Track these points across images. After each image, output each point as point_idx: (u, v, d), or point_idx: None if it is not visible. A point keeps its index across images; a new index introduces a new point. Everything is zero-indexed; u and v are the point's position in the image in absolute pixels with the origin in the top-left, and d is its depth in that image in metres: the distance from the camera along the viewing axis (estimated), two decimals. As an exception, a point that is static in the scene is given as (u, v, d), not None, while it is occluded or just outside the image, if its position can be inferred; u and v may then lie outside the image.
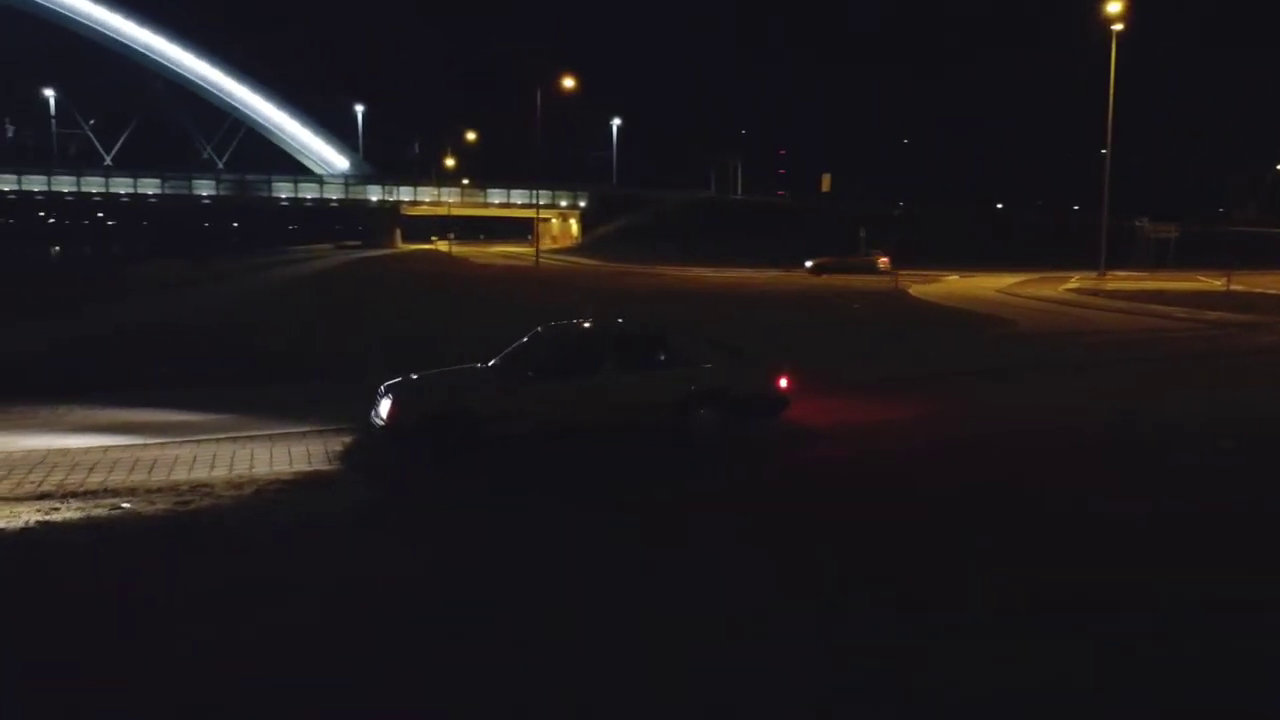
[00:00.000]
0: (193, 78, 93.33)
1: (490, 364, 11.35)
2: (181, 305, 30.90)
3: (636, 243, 74.56)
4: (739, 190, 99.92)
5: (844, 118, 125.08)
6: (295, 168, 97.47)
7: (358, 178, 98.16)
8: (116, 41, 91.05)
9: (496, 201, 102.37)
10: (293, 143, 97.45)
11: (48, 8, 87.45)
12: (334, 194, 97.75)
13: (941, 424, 12.10)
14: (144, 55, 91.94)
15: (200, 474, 9.81)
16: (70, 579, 6.92)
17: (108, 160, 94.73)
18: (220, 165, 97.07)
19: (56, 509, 8.49)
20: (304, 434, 11.63)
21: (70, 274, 51.89)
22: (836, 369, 16.09)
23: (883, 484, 9.40)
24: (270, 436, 11.50)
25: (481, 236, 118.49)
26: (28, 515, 8.29)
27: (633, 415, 10.66)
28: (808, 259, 50.92)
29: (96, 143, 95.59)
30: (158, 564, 7.21)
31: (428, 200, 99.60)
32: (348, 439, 11.24)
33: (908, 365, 17.46)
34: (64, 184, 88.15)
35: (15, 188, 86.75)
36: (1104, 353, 19.42)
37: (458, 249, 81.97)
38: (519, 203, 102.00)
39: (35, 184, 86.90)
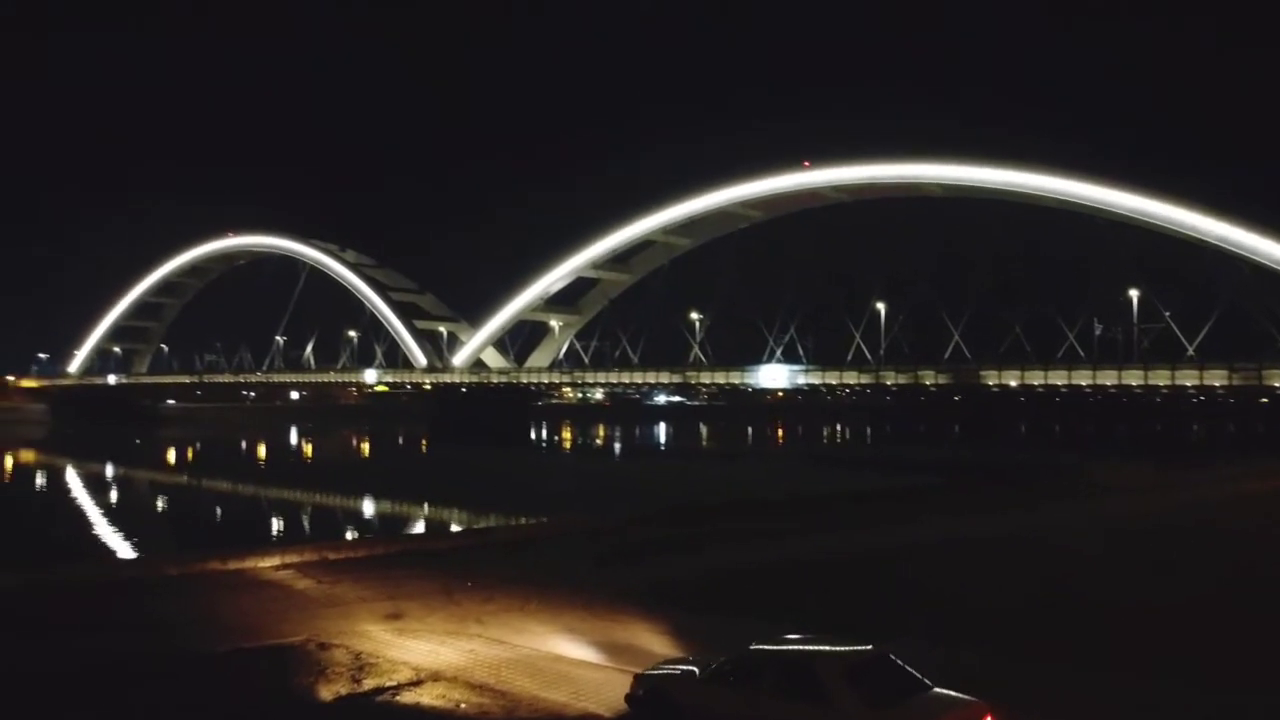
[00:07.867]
0: (1270, 264, 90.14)
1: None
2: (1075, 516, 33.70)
3: None
4: None
5: None
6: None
7: None
8: (1195, 237, 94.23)
9: None
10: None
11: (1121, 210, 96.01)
12: None
13: None
14: (1219, 246, 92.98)
15: (556, 695, 14.95)
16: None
17: (1190, 351, 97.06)
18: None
19: (446, 695, 14.90)
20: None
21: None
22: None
23: None
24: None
25: None
26: (437, 699, 14.88)
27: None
28: None
29: (1179, 334, 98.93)
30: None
31: None
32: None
33: None
34: (1133, 377, 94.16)
35: (1090, 382, 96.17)
36: None
37: None
38: None
39: (1107, 378, 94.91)
